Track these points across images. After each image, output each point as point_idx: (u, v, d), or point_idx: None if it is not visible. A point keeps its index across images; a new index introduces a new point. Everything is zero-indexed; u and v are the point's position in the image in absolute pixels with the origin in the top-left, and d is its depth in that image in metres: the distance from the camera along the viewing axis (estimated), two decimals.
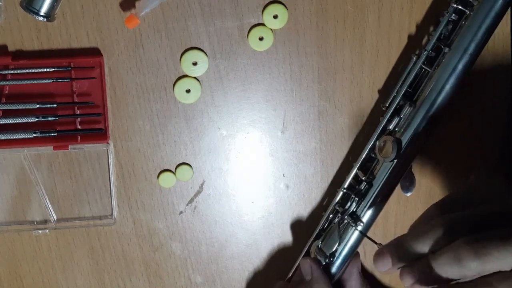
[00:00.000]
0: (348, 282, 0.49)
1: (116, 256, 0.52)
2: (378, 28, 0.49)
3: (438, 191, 0.52)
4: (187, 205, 0.52)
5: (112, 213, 0.51)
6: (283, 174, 0.52)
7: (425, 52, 0.46)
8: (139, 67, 0.49)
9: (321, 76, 0.50)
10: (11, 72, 0.47)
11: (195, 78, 0.49)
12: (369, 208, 0.47)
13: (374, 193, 0.47)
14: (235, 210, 0.52)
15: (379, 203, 0.47)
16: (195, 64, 0.49)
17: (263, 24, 0.48)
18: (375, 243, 0.43)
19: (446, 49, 0.44)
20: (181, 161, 0.51)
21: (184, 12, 0.48)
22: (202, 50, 0.49)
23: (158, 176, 0.51)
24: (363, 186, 0.47)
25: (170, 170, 0.51)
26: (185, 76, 0.49)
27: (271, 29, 0.48)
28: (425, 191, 0.52)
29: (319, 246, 0.49)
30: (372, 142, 0.48)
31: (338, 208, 0.49)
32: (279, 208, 0.52)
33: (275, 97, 0.50)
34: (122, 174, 0.50)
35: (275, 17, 0.48)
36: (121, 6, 0.47)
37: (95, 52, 0.48)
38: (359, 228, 0.47)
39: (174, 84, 0.49)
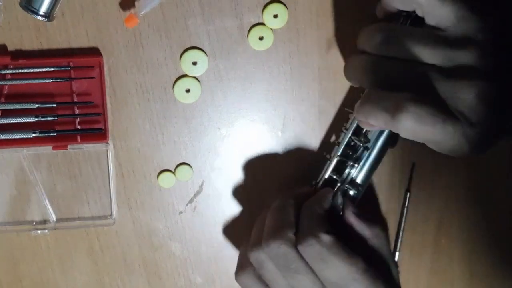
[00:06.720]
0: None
1: (116, 256, 0.52)
2: None
3: (439, 191, 0.52)
4: (187, 205, 0.52)
5: (111, 213, 0.51)
6: (283, 174, 0.52)
7: None
8: (138, 67, 0.48)
9: (321, 76, 0.50)
10: (10, 71, 0.47)
11: (195, 77, 0.49)
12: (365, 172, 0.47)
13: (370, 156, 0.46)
14: (235, 210, 0.52)
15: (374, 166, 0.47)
16: (195, 63, 0.49)
17: (263, 24, 0.48)
18: None
19: None
20: (181, 161, 0.51)
21: (184, 12, 0.48)
22: (202, 50, 0.48)
23: (158, 176, 0.51)
24: (359, 150, 0.46)
25: (170, 170, 0.51)
26: (185, 75, 0.49)
27: (271, 29, 0.48)
28: (426, 191, 0.52)
29: None
30: None
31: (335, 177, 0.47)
32: None
33: (275, 97, 0.50)
34: (122, 174, 0.50)
35: (275, 16, 0.48)
36: (120, 5, 0.47)
37: (94, 51, 0.48)
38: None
39: (174, 84, 0.49)
